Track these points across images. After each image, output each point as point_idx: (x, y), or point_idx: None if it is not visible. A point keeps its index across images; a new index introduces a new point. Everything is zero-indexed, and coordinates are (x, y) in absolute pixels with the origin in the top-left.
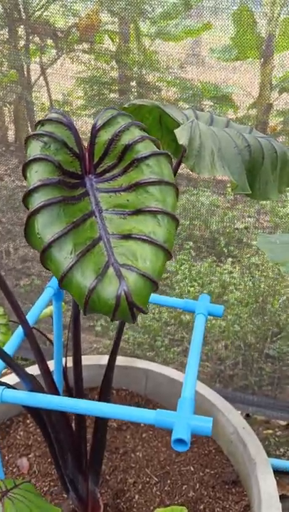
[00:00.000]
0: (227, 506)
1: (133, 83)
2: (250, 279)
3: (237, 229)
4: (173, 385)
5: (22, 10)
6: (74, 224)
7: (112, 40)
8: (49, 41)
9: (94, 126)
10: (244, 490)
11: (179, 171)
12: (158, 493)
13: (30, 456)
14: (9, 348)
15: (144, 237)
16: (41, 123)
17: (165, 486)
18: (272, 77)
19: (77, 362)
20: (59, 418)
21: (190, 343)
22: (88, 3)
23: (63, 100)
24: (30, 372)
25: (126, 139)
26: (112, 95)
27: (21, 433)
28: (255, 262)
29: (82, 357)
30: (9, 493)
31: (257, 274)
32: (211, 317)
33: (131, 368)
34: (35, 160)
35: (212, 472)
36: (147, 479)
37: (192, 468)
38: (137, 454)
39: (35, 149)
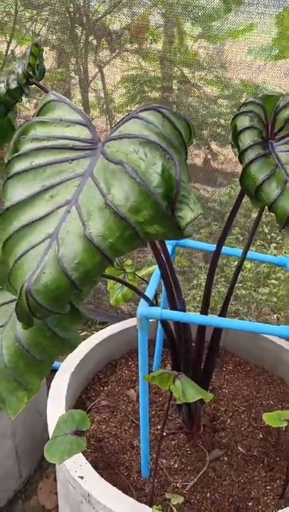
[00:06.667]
0: None
1: (174, 81)
2: None
3: None
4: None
5: (84, 14)
6: (272, 171)
7: (156, 41)
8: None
9: (277, 106)
10: None
11: None
12: (246, 418)
13: (135, 388)
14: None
15: None
16: (244, 104)
17: (251, 414)
18: None
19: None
20: (186, 335)
21: None
22: (137, 8)
23: (107, 97)
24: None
25: None
26: (153, 93)
27: (126, 371)
28: None
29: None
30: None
31: None
32: None
33: None
34: (246, 128)
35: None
36: (236, 408)
37: (272, 402)
38: (224, 390)
39: (244, 121)
